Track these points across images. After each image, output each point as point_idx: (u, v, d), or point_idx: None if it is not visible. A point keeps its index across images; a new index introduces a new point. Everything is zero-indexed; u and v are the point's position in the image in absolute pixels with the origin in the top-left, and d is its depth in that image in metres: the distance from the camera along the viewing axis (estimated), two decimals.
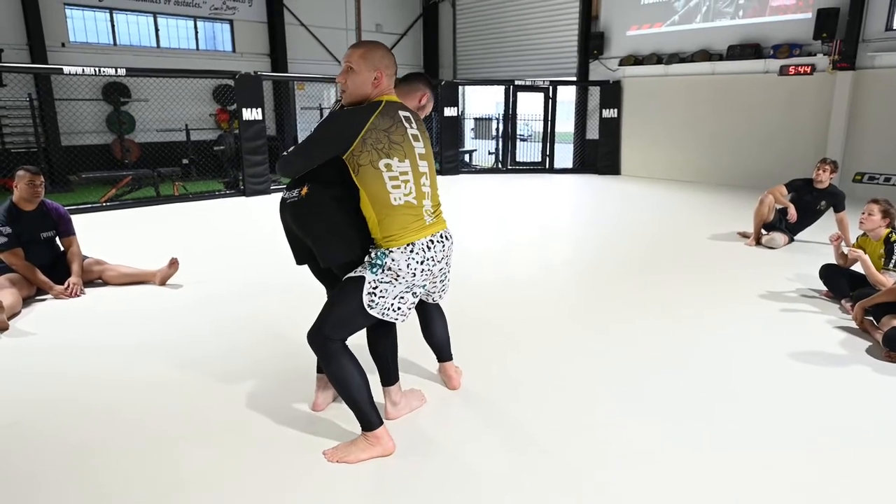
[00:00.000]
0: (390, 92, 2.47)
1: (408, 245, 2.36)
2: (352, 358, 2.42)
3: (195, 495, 2.29)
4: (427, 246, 2.41)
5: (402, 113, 2.42)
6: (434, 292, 2.70)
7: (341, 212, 2.42)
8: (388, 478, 2.39)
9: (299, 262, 2.67)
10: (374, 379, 2.89)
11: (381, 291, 2.36)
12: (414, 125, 2.46)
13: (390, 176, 2.32)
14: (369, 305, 2.35)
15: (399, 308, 2.43)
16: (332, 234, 2.43)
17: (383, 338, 2.69)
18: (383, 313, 2.39)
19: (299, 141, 2.52)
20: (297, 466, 2.46)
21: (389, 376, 2.78)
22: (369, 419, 2.46)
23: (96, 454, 2.54)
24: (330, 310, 2.40)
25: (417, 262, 2.39)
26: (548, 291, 4.90)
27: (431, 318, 3.00)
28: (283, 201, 2.53)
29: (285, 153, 2.46)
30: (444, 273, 2.63)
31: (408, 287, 2.42)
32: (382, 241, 2.37)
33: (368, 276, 2.35)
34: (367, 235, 2.44)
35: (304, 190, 2.42)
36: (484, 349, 3.67)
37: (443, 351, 3.10)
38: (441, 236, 2.49)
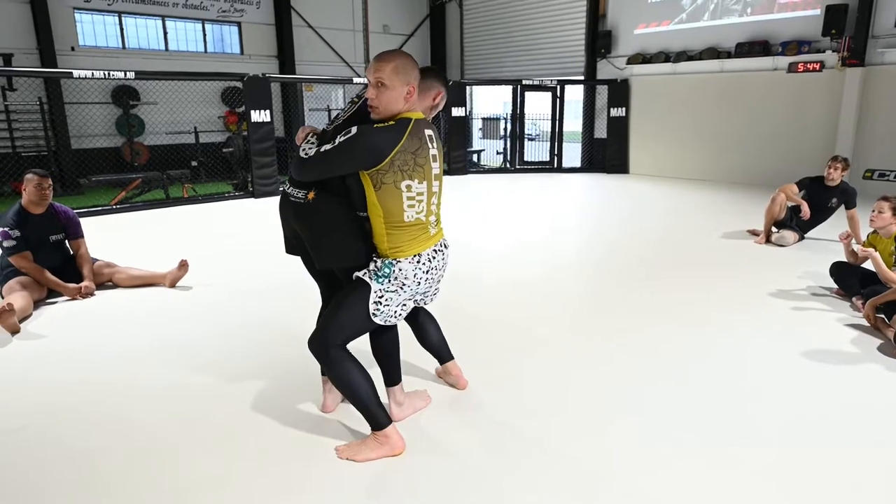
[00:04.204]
0: (417, 107, 2.44)
1: (415, 256, 2.40)
2: (354, 360, 2.43)
3: (203, 498, 2.29)
4: (431, 256, 2.46)
5: (426, 132, 2.41)
6: (427, 296, 2.68)
7: (344, 221, 2.44)
8: (397, 479, 2.39)
9: (289, 251, 2.69)
10: (377, 380, 2.90)
11: (386, 300, 2.40)
12: (434, 144, 2.46)
13: (408, 196, 2.34)
14: (374, 314, 2.39)
15: (400, 314, 2.50)
16: (333, 242, 2.45)
17: (386, 339, 2.71)
18: (386, 320, 2.44)
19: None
20: (307, 468, 2.47)
21: (392, 376, 2.78)
22: (378, 419, 2.47)
23: (103, 459, 2.56)
24: (332, 316, 2.42)
25: (423, 272, 2.44)
26: (557, 291, 4.88)
27: (424, 325, 3.00)
28: (285, 195, 2.52)
29: (305, 155, 2.37)
30: (440, 279, 2.65)
31: (411, 295, 2.48)
32: (389, 252, 2.39)
33: (375, 286, 2.38)
34: (366, 245, 2.45)
35: (311, 195, 2.41)
36: (491, 350, 3.66)
37: (442, 353, 3.10)
38: (441, 245, 2.55)
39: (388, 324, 2.47)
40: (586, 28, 13.41)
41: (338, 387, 2.46)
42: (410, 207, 2.35)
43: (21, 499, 2.30)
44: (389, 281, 2.38)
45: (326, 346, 2.40)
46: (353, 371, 2.41)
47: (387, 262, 2.38)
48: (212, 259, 5.78)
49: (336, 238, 2.45)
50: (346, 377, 2.40)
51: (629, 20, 12.72)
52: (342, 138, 2.26)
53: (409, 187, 2.32)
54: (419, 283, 2.44)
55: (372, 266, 2.42)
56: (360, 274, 2.42)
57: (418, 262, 2.41)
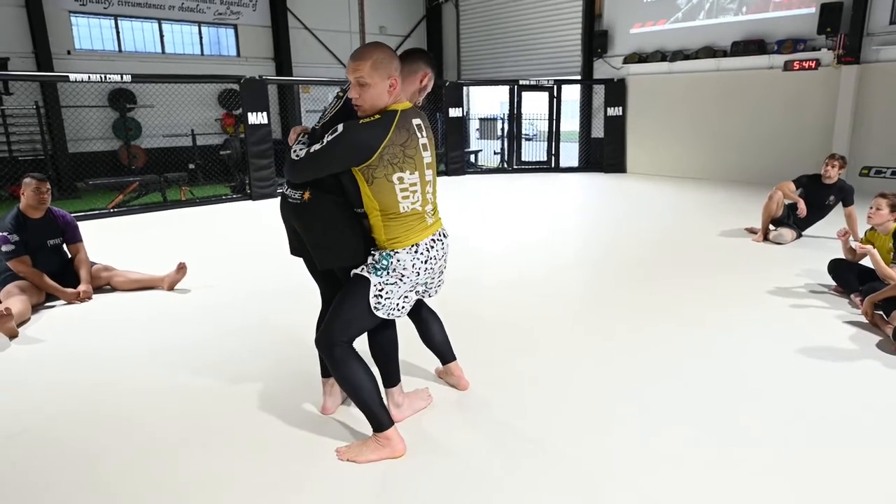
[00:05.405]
0: (402, 96, 2.43)
1: (413, 246, 2.40)
2: (360, 360, 2.43)
3: (203, 498, 2.30)
4: (429, 246, 2.46)
5: (414, 122, 2.40)
6: (431, 288, 2.69)
7: (342, 218, 2.44)
8: (397, 479, 2.39)
9: (293, 252, 2.69)
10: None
11: (387, 293, 2.39)
12: (424, 133, 2.46)
13: (401, 188, 2.34)
14: (376, 308, 2.39)
15: (403, 307, 2.49)
16: (333, 240, 2.46)
17: (385, 339, 2.71)
18: (389, 313, 2.44)
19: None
20: (307, 468, 2.47)
21: (391, 377, 2.78)
22: (380, 420, 2.47)
23: (104, 460, 2.56)
24: (336, 313, 2.41)
25: (422, 262, 2.43)
26: (557, 292, 4.88)
27: (428, 323, 3.00)
28: (284, 198, 2.54)
29: (296, 157, 2.38)
30: (442, 270, 2.66)
31: (412, 286, 2.48)
32: (387, 244, 2.39)
33: (374, 279, 2.38)
34: (366, 240, 2.46)
35: (307, 195, 2.42)
36: (491, 350, 3.66)
37: (445, 353, 3.09)
38: (440, 234, 2.54)
39: (391, 317, 2.47)
40: (582, 28, 13.43)
41: (342, 386, 2.46)
42: (405, 199, 2.36)
43: (23, 500, 2.29)
44: (388, 273, 2.38)
45: (332, 344, 2.40)
46: (357, 371, 2.41)
47: (384, 253, 2.39)
48: (210, 261, 5.77)
49: (332, 237, 2.45)
50: (350, 377, 2.40)
51: (625, 20, 12.74)
52: (329, 138, 2.27)
53: (401, 179, 2.33)
54: (418, 273, 2.44)
55: (370, 260, 2.42)
56: (357, 270, 2.43)
57: (416, 252, 2.41)
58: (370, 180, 2.30)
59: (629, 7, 12.62)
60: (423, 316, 2.97)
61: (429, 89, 2.70)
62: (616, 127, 12.94)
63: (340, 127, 2.27)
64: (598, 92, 13.36)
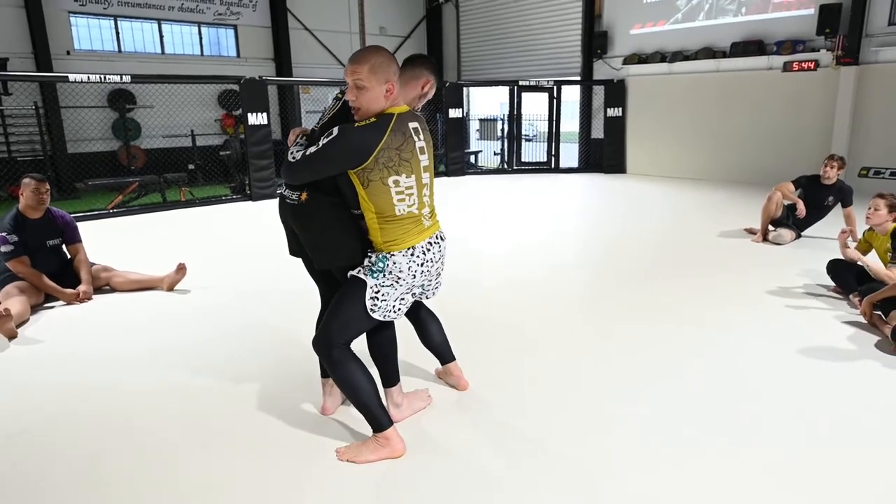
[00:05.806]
0: (400, 100, 2.43)
1: (409, 249, 2.41)
2: (357, 361, 2.44)
3: (204, 499, 2.30)
4: (426, 248, 2.46)
5: (411, 126, 2.40)
6: (428, 289, 2.70)
7: (338, 219, 2.45)
8: (397, 479, 2.39)
9: (292, 253, 2.70)
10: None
11: (383, 295, 2.40)
12: (421, 137, 2.45)
13: (397, 191, 2.34)
14: (372, 310, 2.40)
15: (399, 309, 2.50)
16: (329, 241, 2.47)
17: (383, 339, 2.71)
18: (385, 315, 2.45)
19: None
20: (307, 468, 2.47)
21: (390, 377, 2.79)
22: (379, 421, 2.48)
23: (105, 461, 2.56)
24: (333, 315, 2.42)
25: (418, 265, 2.44)
26: (558, 293, 4.88)
27: (426, 323, 3.00)
28: (282, 198, 2.55)
29: (292, 159, 2.40)
30: (440, 272, 2.67)
31: (408, 288, 2.48)
32: (383, 246, 2.40)
33: (370, 282, 2.38)
34: (363, 241, 2.47)
35: (304, 196, 2.43)
36: (491, 351, 3.66)
37: (444, 353, 3.10)
38: (437, 237, 2.54)
39: (388, 319, 2.48)
40: (582, 29, 13.44)
41: (340, 387, 2.46)
42: (401, 202, 2.36)
43: (23, 500, 2.29)
44: (384, 275, 2.39)
45: (329, 346, 2.41)
46: (356, 372, 2.42)
47: (380, 255, 2.39)
48: (210, 262, 5.77)
49: (329, 237, 2.46)
50: (348, 378, 2.41)
51: (625, 20, 12.75)
52: (325, 140, 2.28)
53: (396, 182, 2.33)
54: (414, 276, 2.45)
55: (366, 262, 2.43)
56: (354, 272, 2.44)
57: (412, 254, 2.42)
58: (366, 183, 2.31)
59: (629, 8, 12.63)
60: (421, 317, 2.98)
61: (429, 96, 2.72)
62: (616, 128, 12.95)
63: (336, 130, 2.28)
64: (598, 93, 13.37)
